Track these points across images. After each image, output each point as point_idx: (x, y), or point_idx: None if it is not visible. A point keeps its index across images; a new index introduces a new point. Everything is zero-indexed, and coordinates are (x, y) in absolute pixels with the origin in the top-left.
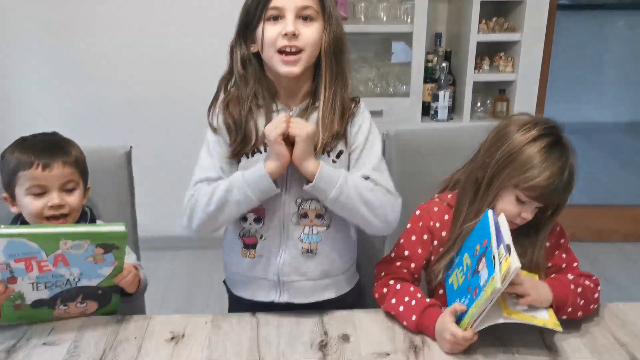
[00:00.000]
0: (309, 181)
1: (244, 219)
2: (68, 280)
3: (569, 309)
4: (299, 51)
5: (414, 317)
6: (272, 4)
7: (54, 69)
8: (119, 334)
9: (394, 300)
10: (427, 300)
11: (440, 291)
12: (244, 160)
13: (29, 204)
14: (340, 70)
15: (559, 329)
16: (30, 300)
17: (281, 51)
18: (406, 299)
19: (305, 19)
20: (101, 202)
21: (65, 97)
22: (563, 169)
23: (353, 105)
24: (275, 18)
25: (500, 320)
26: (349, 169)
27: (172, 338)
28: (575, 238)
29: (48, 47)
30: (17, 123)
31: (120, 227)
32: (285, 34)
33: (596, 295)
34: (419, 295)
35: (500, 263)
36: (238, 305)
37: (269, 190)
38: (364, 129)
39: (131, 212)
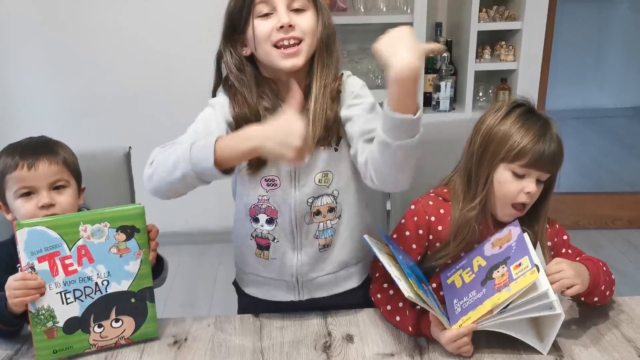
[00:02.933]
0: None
1: (255, 220)
2: (97, 284)
3: (602, 287)
4: (298, 42)
5: (410, 328)
6: None
7: (50, 70)
8: None
9: (389, 307)
10: (418, 308)
11: (434, 285)
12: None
13: (21, 208)
14: (331, 62)
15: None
16: (62, 320)
17: (278, 45)
18: (400, 304)
19: (297, 10)
20: (102, 204)
21: (63, 98)
22: (544, 128)
23: (337, 84)
24: (266, 15)
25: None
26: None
27: (175, 342)
28: (579, 226)
29: (44, 48)
30: (14, 120)
31: (136, 205)
32: (281, 27)
33: (613, 276)
34: (408, 308)
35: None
36: (251, 305)
37: (209, 171)
38: (355, 95)
39: None
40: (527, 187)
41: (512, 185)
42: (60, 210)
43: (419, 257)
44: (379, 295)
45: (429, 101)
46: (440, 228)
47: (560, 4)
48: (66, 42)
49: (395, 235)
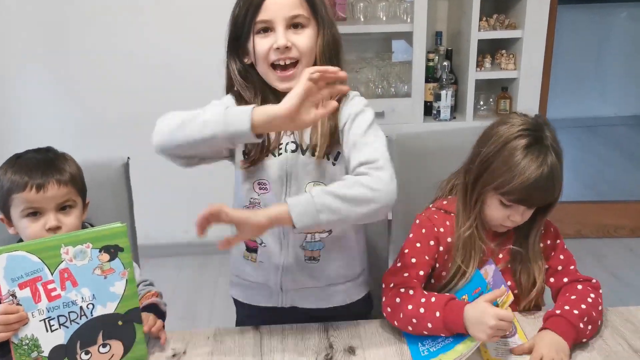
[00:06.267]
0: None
1: None
2: (82, 309)
3: (584, 340)
4: (294, 63)
5: (437, 314)
6: (259, 17)
7: (52, 82)
8: None
9: (410, 307)
10: (447, 294)
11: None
12: (260, 164)
13: (27, 228)
14: None
15: None
16: (47, 349)
17: (275, 66)
18: (423, 300)
19: (296, 26)
20: (100, 214)
21: (63, 109)
22: (540, 169)
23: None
24: (265, 30)
25: None
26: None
27: (174, 355)
28: (582, 235)
29: (46, 61)
30: (16, 136)
31: (117, 223)
32: (277, 48)
33: (600, 307)
34: (434, 294)
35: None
36: (244, 310)
37: (244, 133)
38: (352, 111)
39: (130, 225)
40: (512, 216)
41: (498, 212)
42: (67, 231)
43: (430, 269)
44: (397, 300)
45: (430, 110)
46: (449, 240)
47: (559, 12)
48: (68, 60)
49: (406, 249)
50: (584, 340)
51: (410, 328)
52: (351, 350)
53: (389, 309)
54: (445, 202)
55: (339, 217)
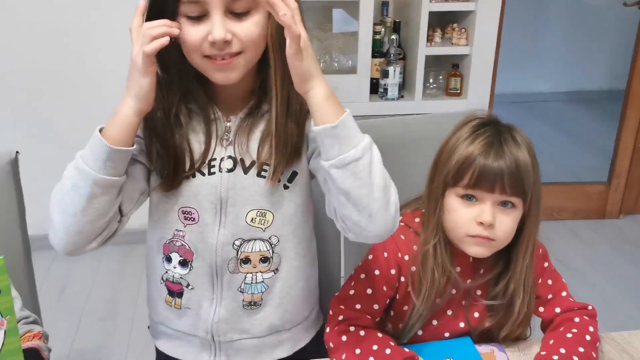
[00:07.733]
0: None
1: (167, 259)
2: None
3: None
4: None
5: None
6: None
7: None
8: None
9: (358, 351)
10: (407, 350)
11: (420, 332)
12: (185, 185)
13: None
14: None
15: None
16: None
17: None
18: (375, 347)
19: (239, 13)
20: None
21: None
22: (487, 139)
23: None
24: (197, 15)
25: None
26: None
27: None
28: None
29: None
30: None
31: None
32: (213, 42)
33: (597, 344)
34: (391, 343)
35: None
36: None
37: (101, 147)
38: None
39: (22, 235)
40: (481, 216)
41: (461, 212)
42: None
43: (388, 301)
44: (343, 338)
45: (376, 88)
46: (413, 269)
47: None
48: None
49: (362, 275)
50: None
51: None
52: None
53: (331, 345)
54: (417, 220)
55: (358, 185)
